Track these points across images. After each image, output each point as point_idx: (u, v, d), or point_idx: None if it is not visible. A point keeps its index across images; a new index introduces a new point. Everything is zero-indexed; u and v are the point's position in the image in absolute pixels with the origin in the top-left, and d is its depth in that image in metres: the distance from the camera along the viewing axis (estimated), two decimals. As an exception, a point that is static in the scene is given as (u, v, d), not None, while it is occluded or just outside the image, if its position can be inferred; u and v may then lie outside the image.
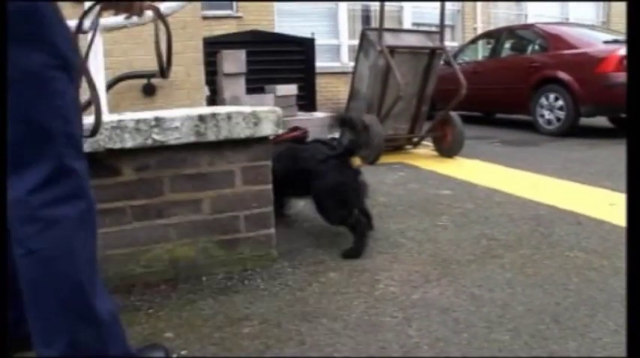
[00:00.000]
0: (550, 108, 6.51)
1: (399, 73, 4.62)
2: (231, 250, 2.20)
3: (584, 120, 6.45)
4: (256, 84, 6.28)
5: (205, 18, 6.60)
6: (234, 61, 5.88)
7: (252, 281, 2.10)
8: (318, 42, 7.38)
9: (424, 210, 3.10)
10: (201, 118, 2.04)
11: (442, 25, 5.16)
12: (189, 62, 4.01)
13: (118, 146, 1.91)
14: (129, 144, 1.92)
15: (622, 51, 5.76)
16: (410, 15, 10.42)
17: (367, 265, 2.24)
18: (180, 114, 2.04)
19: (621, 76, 5.56)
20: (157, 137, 1.97)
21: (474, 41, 8.90)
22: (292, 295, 1.96)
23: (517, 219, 2.86)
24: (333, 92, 9.33)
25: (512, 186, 3.67)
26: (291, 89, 6.08)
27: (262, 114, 2.12)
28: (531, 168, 4.35)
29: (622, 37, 6.43)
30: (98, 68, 2.23)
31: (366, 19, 10.29)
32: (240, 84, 5.93)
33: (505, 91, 7.18)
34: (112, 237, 2.02)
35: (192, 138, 2.03)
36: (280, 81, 6.32)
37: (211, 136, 2.06)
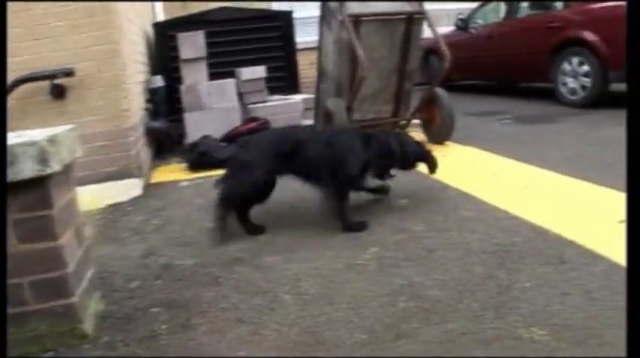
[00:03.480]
0: (574, 75, 5.42)
1: (361, 47, 3.70)
2: (20, 327, 1.57)
3: (617, 88, 5.32)
4: (228, 67, 5.49)
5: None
6: (191, 44, 5.06)
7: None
8: (311, 14, 6.44)
9: (353, 237, 2.25)
10: None
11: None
12: (99, 56, 3.22)
13: None
14: None
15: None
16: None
17: (209, 346, 1.46)
18: None
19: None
20: None
21: (489, 0, 7.74)
22: None
23: (474, 252, 1.98)
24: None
25: (495, 189, 2.76)
26: (258, 71, 5.21)
27: (18, 148, 1.40)
28: (534, 157, 3.39)
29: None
30: None
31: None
32: (201, 70, 5.13)
33: (522, 57, 6.11)
34: None
35: None
36: (256, 61, 5.49)
37: (-50, 180, 1.37)
